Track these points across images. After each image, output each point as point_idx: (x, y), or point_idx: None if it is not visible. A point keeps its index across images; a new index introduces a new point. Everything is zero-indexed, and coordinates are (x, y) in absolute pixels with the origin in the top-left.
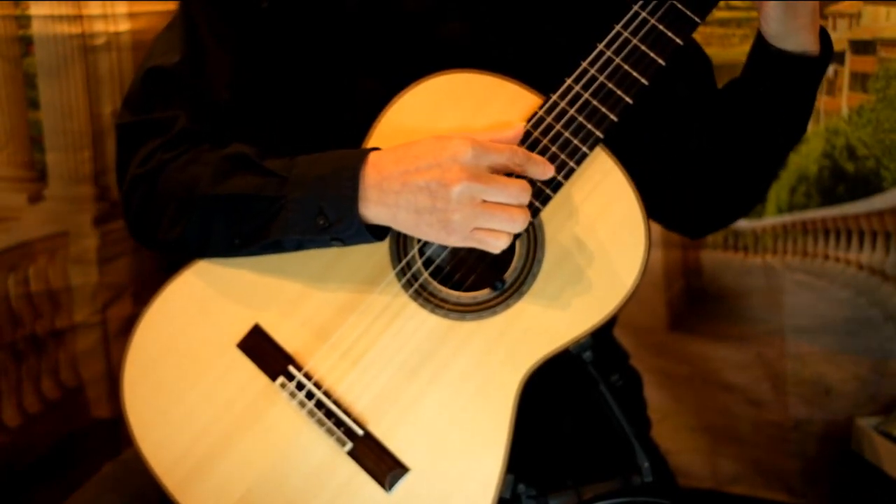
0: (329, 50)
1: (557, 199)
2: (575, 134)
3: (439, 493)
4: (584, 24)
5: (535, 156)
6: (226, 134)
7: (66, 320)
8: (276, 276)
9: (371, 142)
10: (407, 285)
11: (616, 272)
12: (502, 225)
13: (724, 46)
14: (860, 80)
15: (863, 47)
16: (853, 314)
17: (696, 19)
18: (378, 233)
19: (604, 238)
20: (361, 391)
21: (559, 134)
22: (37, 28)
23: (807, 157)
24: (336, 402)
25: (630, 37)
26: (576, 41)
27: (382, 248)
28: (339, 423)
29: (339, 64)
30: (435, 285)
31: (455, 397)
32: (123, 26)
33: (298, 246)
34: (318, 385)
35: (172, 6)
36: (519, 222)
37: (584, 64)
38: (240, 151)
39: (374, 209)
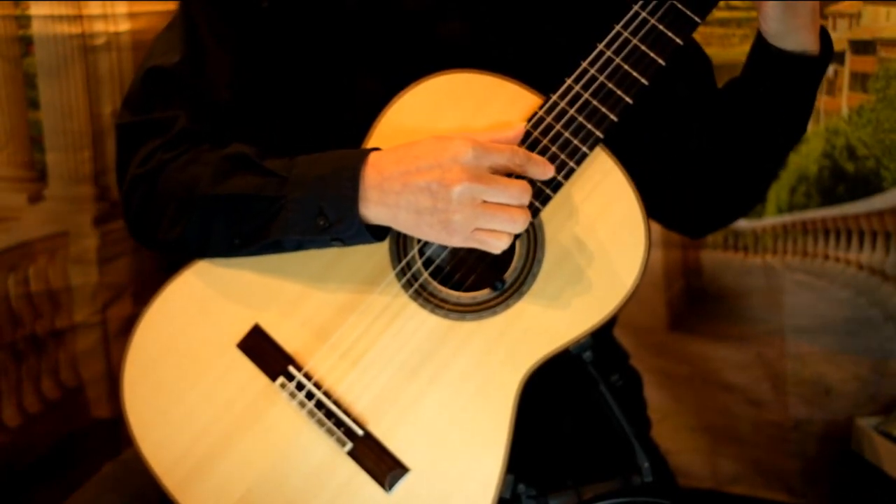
0: (329, 49)
1: (557, 199)
2: (575, 134)
3: (439, 494)
4: (584, 24)
5: (535, 156)
6: (226, 134)
7: (66, 320)
8: (276, 277)
9: (371, 142)
10: (407, 285)
11: (616, 272)
12: (503, 225)
13: (724, 46)
14: (860, 80)
15: (863, 47)
16: (853, 314)
17: (696, 19)
18: (378, 233)
19: (604, 238)
20: (361, 391)
21: (559, 134)
22: (37, 28)
23: (807, 157)
24: (336, 403)
25: (630, 37)
26: (576, 41)
27: (382, 249)
28: (339, 424)
29: (339, 64)
30: (435, 285)
31: (455, 397)
32: (123, 26)
33: (298, 246)
34: (318, 385)
35: (172, 6)
36: (519, 223)
37: (584, 64)
38: (240, 151)
39: (374, 209)
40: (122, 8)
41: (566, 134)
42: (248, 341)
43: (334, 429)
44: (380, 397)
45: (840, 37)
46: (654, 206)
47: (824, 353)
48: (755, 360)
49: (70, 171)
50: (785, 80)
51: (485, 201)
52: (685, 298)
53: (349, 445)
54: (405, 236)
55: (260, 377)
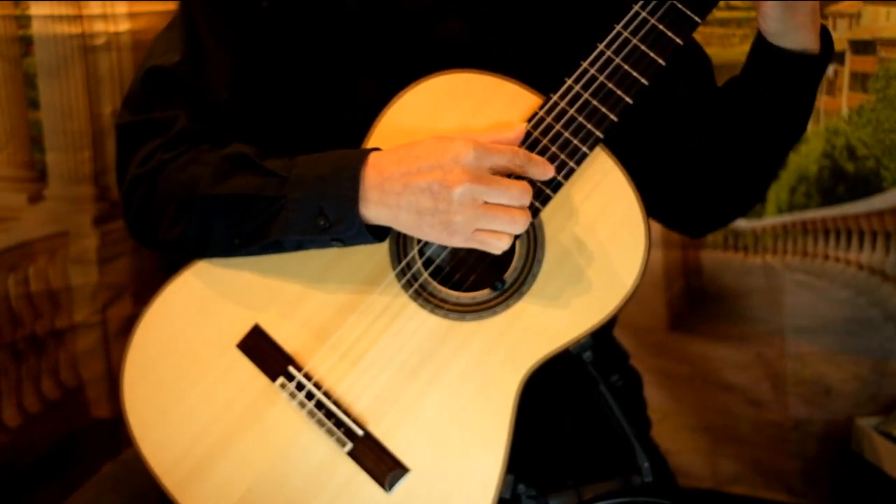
0: (329, 49)
1: (557, 199)
2: (575, 134)
3: (439, 494)
4: (584, 24)
5: (535, 156)
6: (226, 134)
7: (66, 320)
8: (276, 277)
9: (371, 142)
10: (407, 286)
11: (616, 272)
12: (504, 226)
13: (724, 46)
14: (860, 80)
15: (863, 47)
16: (853, 314)
17: (696, 19)
18: (378, 233)
19: (604, 238)
20: (361, 391)
21: (559, 134)
22: (37, 28)
23: (807, 157)
24: (336, 403)
25: (630, 37)
26: (576, 41)
27: (382, 249)
28: (338, 424)
29: (339, 63)
30: (435, 285)
31: (455, 397)
32: (123, 26)
33: (298, 246)
34: (317, 385)
35: (172, 6)
36: (520, 223)
37: (585, 64)
38: (240, 151)
39: (375, 210)
40: (122, 8)
41: (566, 134)
42: (248, 341)
43: (334, 429)
44: (380, 397)
45: (840, 37)
46: (655, 205)
47: (824, 353)
48: (755, 360)
49: (70, 171)
50: (785, 79)
51: (486, 202)
52: (685, 298)
53: (349, 446)
54: (405, 236)
55: (260, 377)
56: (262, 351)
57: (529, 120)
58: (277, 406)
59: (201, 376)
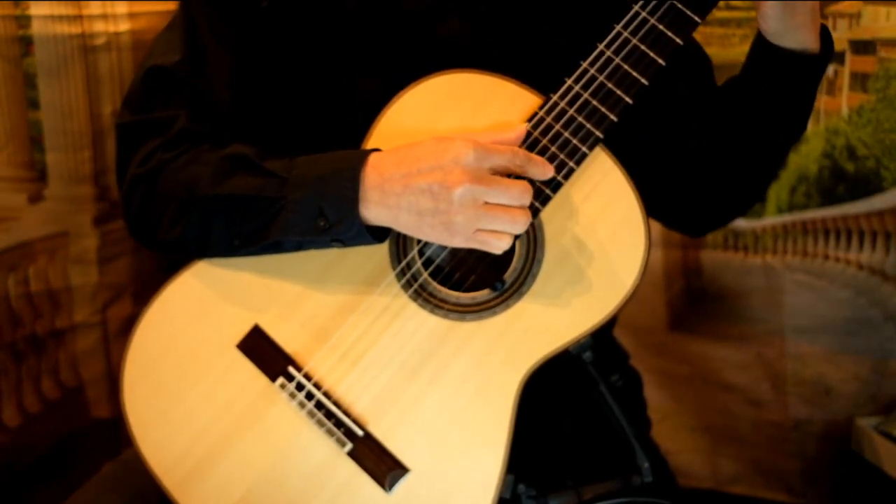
0: (329, 49)
1: (557, 199)
2: (575, 134)
3: (439, 494)
4: (584, 24)
5: (535, 157)
6: (226, 134)
7: (66, 320)
8: (276, 277)
9: (370, 142)
10: (407, 286)
11: (616, 272)
12: (504, 226)
13: (724, 46)
14: (860, 80)
15: (863, 47)
16: (853, 314)
17: (696, 19)
18: (379, 234)
19: (604, 238)
20: (361, 392)
21: (559, 134)
22: (37, 28)
23: (807, 157)
24: (336, 403)
25: (630, 37)
26: (576, 41)
27: (382, 249)
28: (338, 424)
29: (339, 63)
30: (435, 286)
31: (455, 397)
32: (123, 26)
33: (298, 246)
34: (317, 386)
35: (172, 6)
36: (520, 223)
37: (584, 64)
38: (240, 152)
39: (375, 210)
40: (122, 8)
41: (566, 134)
42: (248, 342)
43: (334, 429)
44: (380, 398)
45: (840, 37)
46: (654, 204)
47: (824, 353)
48: (755, 360)
49: (70, 171)
50: (785, 79)
51: (486, 202)
52: (685, 298)
53: (349, 446)
54: (405, 236)
55: (260, 378)
56: (262, 351)
57: (529, 120)
58: (277, 406)
59: (201, 376)
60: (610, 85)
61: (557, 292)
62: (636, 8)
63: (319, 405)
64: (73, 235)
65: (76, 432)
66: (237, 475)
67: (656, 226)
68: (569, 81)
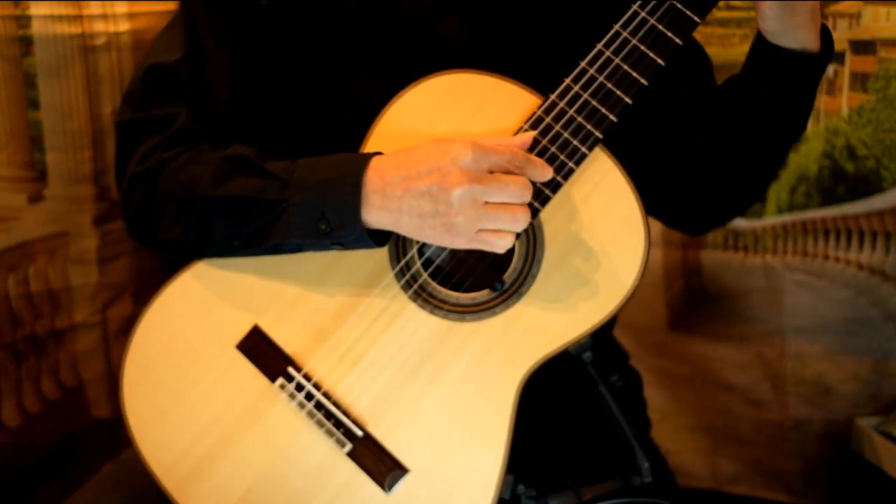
0: (328, 49)
1: (557, 200)
2: (574, 134)
3: (439, 494)
4: (584, 24)
5: (534, 158)
6: (226, 133)
7: (66, 320)
8: (276, 278)
9: (370, 142)
10: (406, 286)
11: (616, 272)
12: (505, 224)
13: (724, 46)
14: (860, 80)
15: (863, 47)
16: (853, 314)
17: (696, 19)
18: (379, 238)
19: (603, 238)
20: (361, 392)
21: (558, 134)
22: (37, 28)
23: (807, 157)
24: (335, 404)
25: (629, 37)
26: (576, 41)
27: (381, 250)
28: (338, 424)
29: (339, 63)
30: (434, 286)
31: (455, 398)
32: (123, 26)
33: (298, 248)
34: (317, 386)
35: (172, 6)
36: (521, 220)
37: (583, 64)
38: (240, 153)
39: (377, 214)
40: (122, 8)
41: (565, 134)
42: (248, 342)
43: (334, 430)
44: (379, 398)
45: (840, 37)
46: (654, 203)
47: (824, 353)
48: (755, 360)
49: (70, 171)
50: (785, 78)
51: (486, 202)
52: (685, 298)
53: (348, 446)
54: (404, 237)
55: (259, 378)
56: (262, 352)
57: (528, 120)
58: (277, 407)
59: (201, 377)
60: (609, 85)
61: (557, 293)
62: (635, 7)
63: (319, 405)
64: (73, 235)
65: (76, 432)
66: (237, 475)
67: (656, 225)
68: (567, 81)
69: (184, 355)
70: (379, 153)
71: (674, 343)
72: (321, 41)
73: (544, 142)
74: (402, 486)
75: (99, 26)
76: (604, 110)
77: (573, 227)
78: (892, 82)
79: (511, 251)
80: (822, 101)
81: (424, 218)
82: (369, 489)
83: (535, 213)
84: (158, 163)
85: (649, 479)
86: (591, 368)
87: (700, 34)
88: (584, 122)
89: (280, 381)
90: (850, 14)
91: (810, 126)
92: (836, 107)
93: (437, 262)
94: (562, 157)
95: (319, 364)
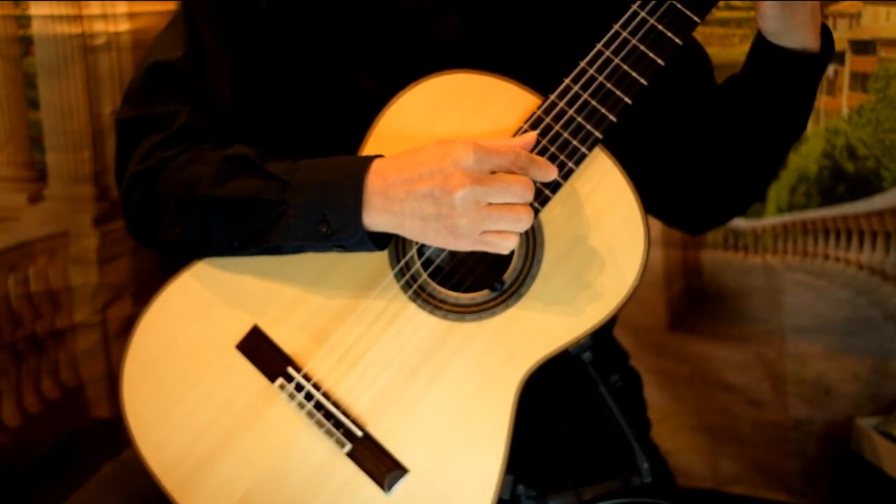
0: (328, 49)
1: (556, 200)
2: (574, 134)
3: (439, 494)
4: (584, 24)
5: (538, 158)
6: (226, 133)
7: (66, 320)
8: (275, 278)
9: (370, 141)
10: (406, 286)
11: (615, 272)
12: (509, 225)
13: (724, 46)
14: (860, 80)
15: (863, 47)
16: (853, 314)
17: (696, 19)
18: (380, 241)
19: (603, 238)
20: (361, 392)
21: (558, 134)
22: (37, 28)
23: (807, 157)
24: (335, 404)
25: (629, 37)
26: (576, 41)
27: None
28: (338, 425)
29: (339, 63)
30: (434, 286)
31: (454, 398)
32: (123, 26)
33: (298, 249)
34: (317, 386)
35: (172, 6)
36: (524, 220)
37: (583, 64)
38: (241, 153)
39: (380, 217)
40: (122, 8)
41: (565, 134)
42: (248, 342)
43: (333, 430)
44: (379, 398)
45: (840, 37)
46: (654, 203)
47: (824, 353)
48: (755, 360)
49: (70, 171)
50: (785, 78)
51: (489, 203)
52: (685, 298)
53: (348, 447)
54: (404, 237)
55: (259, 378)
56: (262, 352)
57: (528, 120)
58: (277, 407)
59: (201, 377)
60: (609, 85)
61: (557, 293)
62: (635, 7)
63: (319, 406)
64: (73, 235)
65: (76, 432)
66: (237, 475)
67: (656, 225)
68: (567, 81)
69: (184, 355)
70: (380, 156)
71: (674, 343)
72: (321, 41)
73: (544, 142)
74: (401, 486)
75: (99, 26)
76: (603, 110)
77: (573, 228)
78: (892, 82)
79: (511, 251)
80: (822, 101)
81: (427, 220)
82: (369, 489)
83: (534, 213)
84: (159, 162)
85: (649, 479)
86: (590, 368)
87: (700, 34)
88: (584, 123)
89: (280, 381)
90: (850, 14)
91: (810, 126)
92: (836, 107)
93: (437, 262)
94: (561, 157)
95: (319, 364)
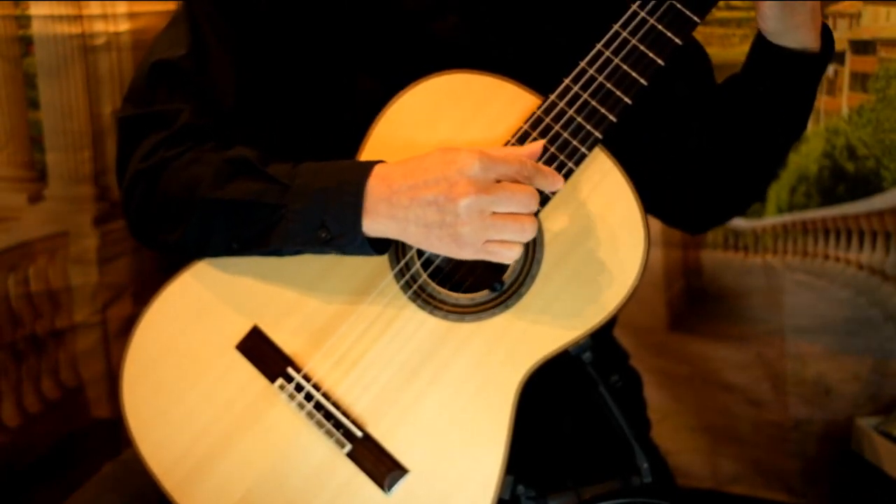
0: (328, 49)
1: (556, 200)
2: (574, 134)
3: (438, 494)
4: (584, 24)
5: (543, 167)
6: (228, 132)
7: (66, 320)
8: (275, 279)
9: (370, 141)
10: (406, 287)
11: (615, 273)
12: (513, 235)
13: (724, 46)
14: (860, 80)
15: (863, 47)
16: (853, 314)
17: (696, 19)
18: (379, 246)
19: (603, 239)
20: (360, 393)
21: (558, 134)
22: (37, 28)
23: (807, 157)
24: (335, 404)
25: (629, 37)
26: (576, 41)
27: None
28: (338, 425)
29: (339, 63)
30: (434, 287)
31: (454, 398)
32: (123, 26)
33: (297, 252)
34: (317, 387)
35: (172, 6)
36: (529, 231)
37: (583, 64)
38: (242, 155)
39: (384, 223)
40: (122, 8)
41: (565, 134)
42: (247, 343)
43: (333, 430)
44: (379, 398)
45: (840, 37)
46: (654, 202)
47: (824, 353)
48: (755, 360)
49: (70, 171)
50: (785, 78)
51: (493, 212)
52: (685, 298)
53: (348, 447)
54: None
55: (259, 378)
56: (261, 352)
57: (528, 120)
58: (277, 407)
59: (201, 377)
60: (609, 85)
61: (556, 293)
62: (634, 7)
63: (318, 406)
64: (73, 235)
65: (76, 432)
66: (237, 476)
67: (656, 225)
68: (567, 81)
69: (184, 355)
70: (382, 161)
71: (674, 343)
72: (321, 41)
73: (544, 142)
74: (401, 486)
75: (99, 26)
76: (603, 110)
77: (573, 228)
78: (892, 82)
79: None
80: (822, 101)
81: (431, 228)
82: (369, 489)
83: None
84: (161, 161)
85: (649, 479)
86: (590, 369)
87: (700, 34)
88: (584, 123)
89: (280, 381)
90: (850, 14)
91: (810, 126)
92: (836, 107)
93: (437, 262)
94: (561, 157)
95: (319, 364)
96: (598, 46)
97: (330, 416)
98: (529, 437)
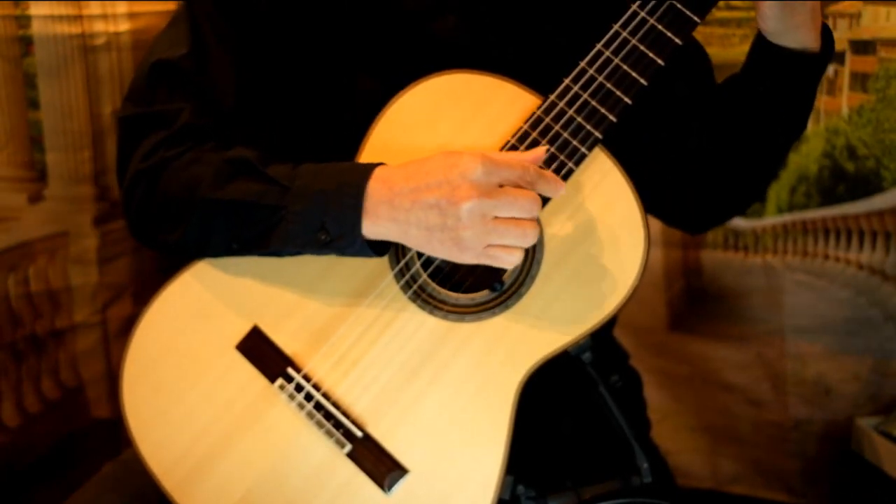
0: (328, 49)
1: (556, 200)
2: (574, 134)
3: (438, 494)
4: (584, 24)
5: (546, 173)
6: (228, 132)
7: (66, 320)
8: (276, 279)
9: (370, 142)
10: (406, 287)
11: (615, 273)
12: (515, 240)
13: (724, 46)
14: (860, 80)
15: (863, 47)
16: (853, 314)
17: (696, 19)
18: (379, 248)
19: (603, 239)
20: (361, 393)
21: (558, 134)
22: (37, 28)
23: (807, 157)
24: (335, 404)
25: (629, 37)
26: (576, 41)
27: None
28: (337, 425)
29: (339, 63)
30: (434, 286)
31: (454, 398)
32: (123, 26)
33: (297, 253)
34: (317, 387)
35: (172, 6)
36: (530, 236)
37: (583, 64)
38: (242, 156)
39: (385, 225)
40: (122, 8)
41: (565, 134)
42: (247, 343)
43: (333, 430)
44: (379, 398)
45: (840, 37)
46: (654, 202)
47: (824, 353)
48: (755, 360)
49: (70, 171)
50: (785, 78)
51: (495, 217)
52: (685, 298)
53: (348, 447)
54: None
55: (259, 379)
56: (261, 352)
57: (527, 120)
58: (277, 407)
59: (201, 377)
60: (609, 85)
61: (556, 293)
62: (635, 7)
63: (318, 406)
64: (73, 235)
65: (76, 432)
66: (237, 476)
67: (656, 225)
68: (567, 81)
69: (184, 355)
70: (382, 163)
71: (674, 343)
72: (321, 41)
73: (544, 142)
74: (401, 486)
75: (99, 26)
76: (603, 110)
77: (573, 228)
78: (892, 82)
79: None
80: (822, 101)
81: (432, 231)
82: (369, 489)
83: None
84: (162, 161)
85: (649, 479)
86: (590, 369)
87: (700, 34)
88: (584, 123)
89: (279, 381)
90: (850, 14)
91: (810, 126)
92: (836, 107)
93: (437, 262)
94: (561, 157)
95: (319, 365)
96: (598, 46)
97: (330, 417)
98: (529, 437)
